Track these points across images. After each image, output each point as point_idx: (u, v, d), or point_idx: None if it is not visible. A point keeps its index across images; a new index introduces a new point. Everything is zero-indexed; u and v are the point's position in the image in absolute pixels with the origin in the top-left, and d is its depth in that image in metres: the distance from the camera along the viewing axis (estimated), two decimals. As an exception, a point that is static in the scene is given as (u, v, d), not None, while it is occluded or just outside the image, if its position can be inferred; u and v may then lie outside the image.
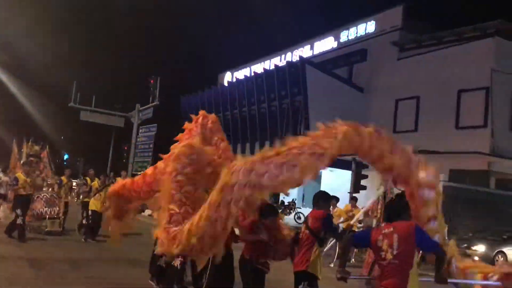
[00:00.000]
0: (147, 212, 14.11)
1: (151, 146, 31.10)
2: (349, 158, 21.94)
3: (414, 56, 22.64)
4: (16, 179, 10.69)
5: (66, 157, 54.97)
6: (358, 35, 26.35)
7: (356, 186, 16.13)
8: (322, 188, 25.97)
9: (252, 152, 28.77)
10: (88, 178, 12.53)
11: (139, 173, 28.12)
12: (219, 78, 38.93)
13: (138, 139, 27.93)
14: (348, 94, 24.55)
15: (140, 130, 28.08)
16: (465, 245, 15.74)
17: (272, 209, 5.63)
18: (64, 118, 37.09)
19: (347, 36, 27.04)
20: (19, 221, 10.28)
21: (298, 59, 28.00)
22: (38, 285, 6.63)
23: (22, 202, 10.51)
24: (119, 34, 63.06)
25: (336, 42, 27.81)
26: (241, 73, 34.64)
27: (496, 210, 18.70)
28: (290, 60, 29.55)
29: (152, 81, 24.63)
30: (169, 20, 76.02)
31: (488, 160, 18.75)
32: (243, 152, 28.64)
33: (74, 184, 15.19)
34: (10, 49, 36.26)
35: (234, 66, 37.77)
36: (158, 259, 7.07)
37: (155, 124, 27.00)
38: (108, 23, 65.37)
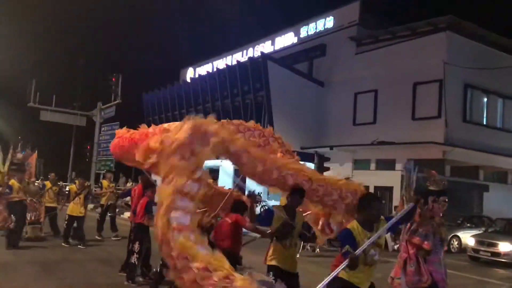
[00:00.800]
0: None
1: (114, 144, 30.51)
2: (311, 151, 22.61)
3: (371, 51, 23.36)
4: (10, 187, 10.58)
5: (24, 157, 53.56)
6: (317, 30, 26.89)
7: (319, 179, 16.60)
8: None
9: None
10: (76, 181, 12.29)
11: (102, 172, 27.84)
12: (181, 74, 38.80)
13: (100, 138, 27.65)
14: (309, 89, 25.10)
15: (103, 129, 27.81)
16: (423, 231, 16.58)
17: (241, 205, 6.01)
18: (22, 119, 36.13)
19: (307, 32, 27.54)
20: (12, 226, 10.24)
21: (259, 54, 28.37)
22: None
23: (14, 208, 10.41)
24: (79, 32, 61.66)
25: (296, 38, 28.28)
26: (203, 69, 34.68)
27: (451, 196, 19.63)
28: (251, 55, 29.86)
29: (114, 79, 24.39)
30: (129, 16, 74.80)
31: (442, 149, 19.66)
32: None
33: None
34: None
35: (196, 62, 37.73)
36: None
37: (118, 122, 26.76)
38: (67, 21, 63.72)
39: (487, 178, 22.65)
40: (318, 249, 13.60)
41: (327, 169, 17.08)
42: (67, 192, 12.72)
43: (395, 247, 14.02)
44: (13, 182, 10.76)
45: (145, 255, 7.55)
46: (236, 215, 5.90)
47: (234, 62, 29.44)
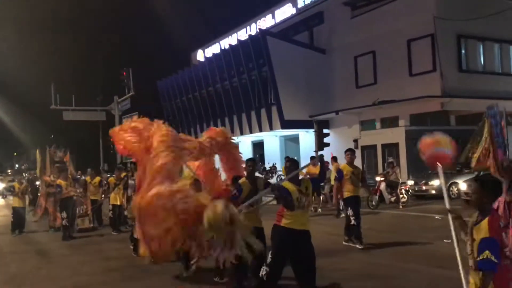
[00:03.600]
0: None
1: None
2: (320, 118, 23.67)
3: (365, 14, 23.85)
4: (60, 186, 11.82)
5: (59, 155, 56.59)
6: (313, -1, 27.40)
7: (320, 144, 17.70)
8: (301, 148, 27.64)
9: (232, 126, 29.83)
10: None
11: (130, 161, 29.65)
12: (192, 58, 39.92)
13: (122, 129, 29.20)
14: (311, 58, 25.80)
15: (124, 120, 29.37)
16: (423, 181, 17.52)
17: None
18: (49, 120, 38.28)
19: (304, 1, 28.06)
20: (64, 222, 11.46)
21: (260, 30, 29.25)
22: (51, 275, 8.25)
23: (66, 204, 11.62)
24: (89, 30, 63.30)
25: (295, 9, 28.82)
26: (211, 50, 35.65)
27: (458, 145, 20.42)
28: (255, 31, 30.67)
29: (124, 73, 25.69)
30: (135, 9, 76.03)
31: (440, 101, 20.32)
32: (223, 125, 30.15)
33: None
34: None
35: (205, 43, 38.70)
36: None
37: (136, 112, 28.22)
38: (76, 21, 65.33)
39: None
40: (320, 209, 14.81)
41: (326, 135, 18.12)
42: (106, 184, 13.90)
43: (392, 199, 15.11)
44: (60, 181, 11.97)
45: None
46: None
47: (240, 39, 30.30)
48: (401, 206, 14.83)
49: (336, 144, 24.99)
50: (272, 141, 30.14)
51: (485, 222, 3.34)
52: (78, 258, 8.75)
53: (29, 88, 43.38)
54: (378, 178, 15.31)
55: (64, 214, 11.53)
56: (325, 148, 17.78)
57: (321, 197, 15.06)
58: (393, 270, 7.05)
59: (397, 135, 21.60)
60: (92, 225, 13.20)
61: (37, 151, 17.84)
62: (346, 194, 8.91)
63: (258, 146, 32.17)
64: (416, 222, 12.37)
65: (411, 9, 21.19)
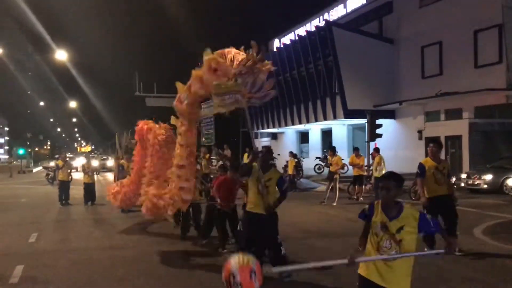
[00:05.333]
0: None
1: (212, 119, 34.59)
2: (385, 108, 23.96)
3: (433, 3, 23.42)
4: (122, 166, 14.30)
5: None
6: (383, -12, 27.25)
7: (372, 135, 18.08)
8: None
9: (299, 114, 30.81)
10: None
11: (207, 144, 31.72)
12: (269, 46, 41.05)
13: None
14: (379, 48, 25.85)
15: (203, 105, 31.58)
16: (476, 175, 17.36)
17: None
18: (133, 106, 41.82)
19: (374, -9, 27.99)
20: None
21: (332, 19, 29.76)
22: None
23: None
24: (170, 20, 66.60)
25: (365, -2, 28.88)
26: (287, 39, 36.54)
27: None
28: (326, 21, 31.11)
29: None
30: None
31: (505, 94, 19.70)
32: (291, 115, 31.26)
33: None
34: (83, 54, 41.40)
35: (281, 32, 39.63)
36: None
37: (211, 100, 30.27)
38: (157, 12, 68.79)
39: None
40: (361, 198, 15.47)
41: (379, 126, 18.45)
42: None
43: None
44: (123, 162, 14.37)
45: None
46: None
47: (313, 29, 30.89)
48: (444, 199, 14.96)
49: (400, 135, 25.11)
50: (340, 129, 30.65)
51: (410, 209, 3.53)
52: (125, 226, 10.53)
53: (118, 77, 47.49)
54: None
55: None
56: (376, 139, 18.18)
57: (363, 186, 15.71)
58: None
59: (460, 127, 21.26)
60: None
61: (116, 135, 20.23)
62: (426, 195, 7.45)
63: (326, 134, 32.81)
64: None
65: (479, -1, 20.62)
